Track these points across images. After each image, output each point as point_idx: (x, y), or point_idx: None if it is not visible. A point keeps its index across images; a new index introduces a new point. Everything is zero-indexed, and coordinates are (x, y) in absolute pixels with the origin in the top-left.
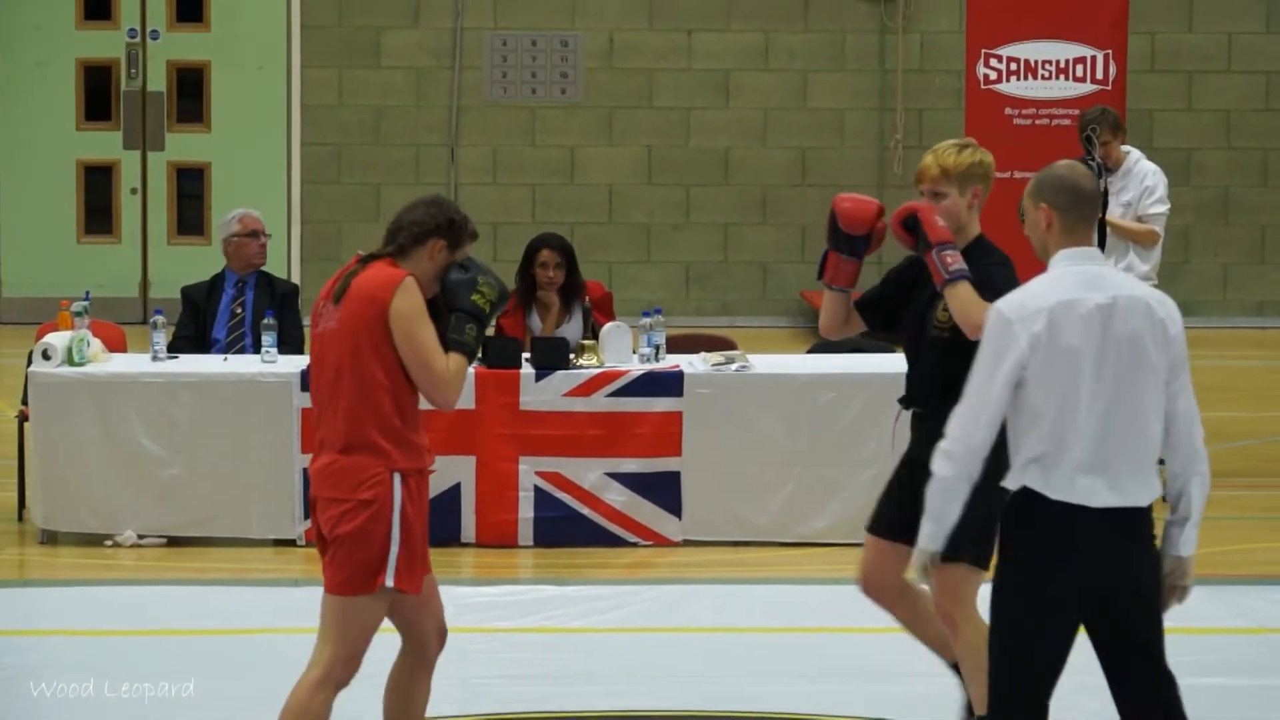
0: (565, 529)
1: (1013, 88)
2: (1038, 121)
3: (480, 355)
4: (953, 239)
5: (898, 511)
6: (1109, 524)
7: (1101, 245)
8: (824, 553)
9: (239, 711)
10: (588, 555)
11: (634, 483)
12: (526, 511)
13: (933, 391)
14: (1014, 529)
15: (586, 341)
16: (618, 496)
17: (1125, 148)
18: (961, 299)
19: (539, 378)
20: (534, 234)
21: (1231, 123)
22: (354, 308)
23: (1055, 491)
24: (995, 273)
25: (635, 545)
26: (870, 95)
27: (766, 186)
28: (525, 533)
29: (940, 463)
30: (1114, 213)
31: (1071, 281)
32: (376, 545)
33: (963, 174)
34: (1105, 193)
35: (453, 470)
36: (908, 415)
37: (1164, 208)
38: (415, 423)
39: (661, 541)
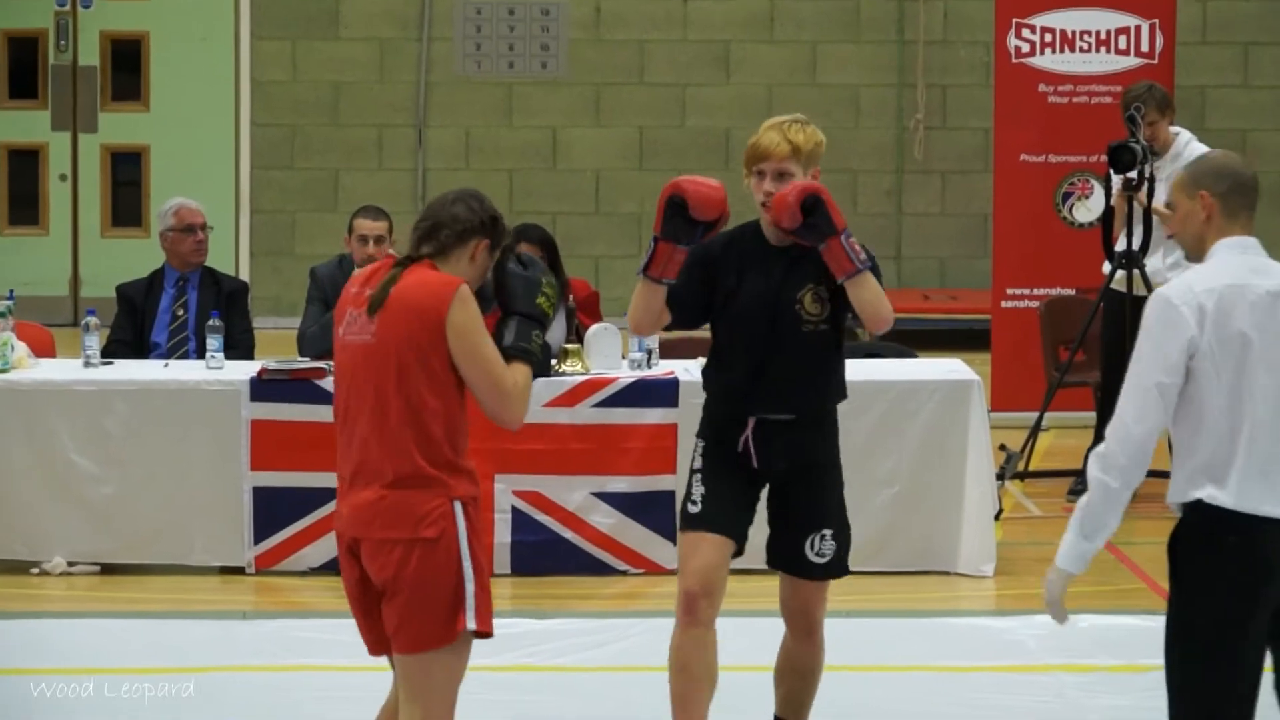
0: (546, 555)
1: (1048, 61)
2: (1075, 99)
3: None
4: (846, 225)
5: (728, 509)
6: None
7: (1147, 234)
8: (835, 582)
9: None
10: (571, 585)
11: (624, 503)
12: (503, 536)
13: (804, 394)
14: (1192, 551)
15: (570, 346)
16: (605, 519)
17: (1173, 128)
18: (873, 289)
19: None
20: (512, 226)
21: None
22: (399, 321)
23: (1238, 502)
24: (874, 260)
25: (625, 574)
26: (888, 70)
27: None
28: (501, 559)
29: (1100, 469)
30: (1160, 200)
31: (1238, 267)
32: (450, 586)
33: (810, 153)
34: (1152, 178)
35: None
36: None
37: None
38: (466, 446)
39: (654, 569)
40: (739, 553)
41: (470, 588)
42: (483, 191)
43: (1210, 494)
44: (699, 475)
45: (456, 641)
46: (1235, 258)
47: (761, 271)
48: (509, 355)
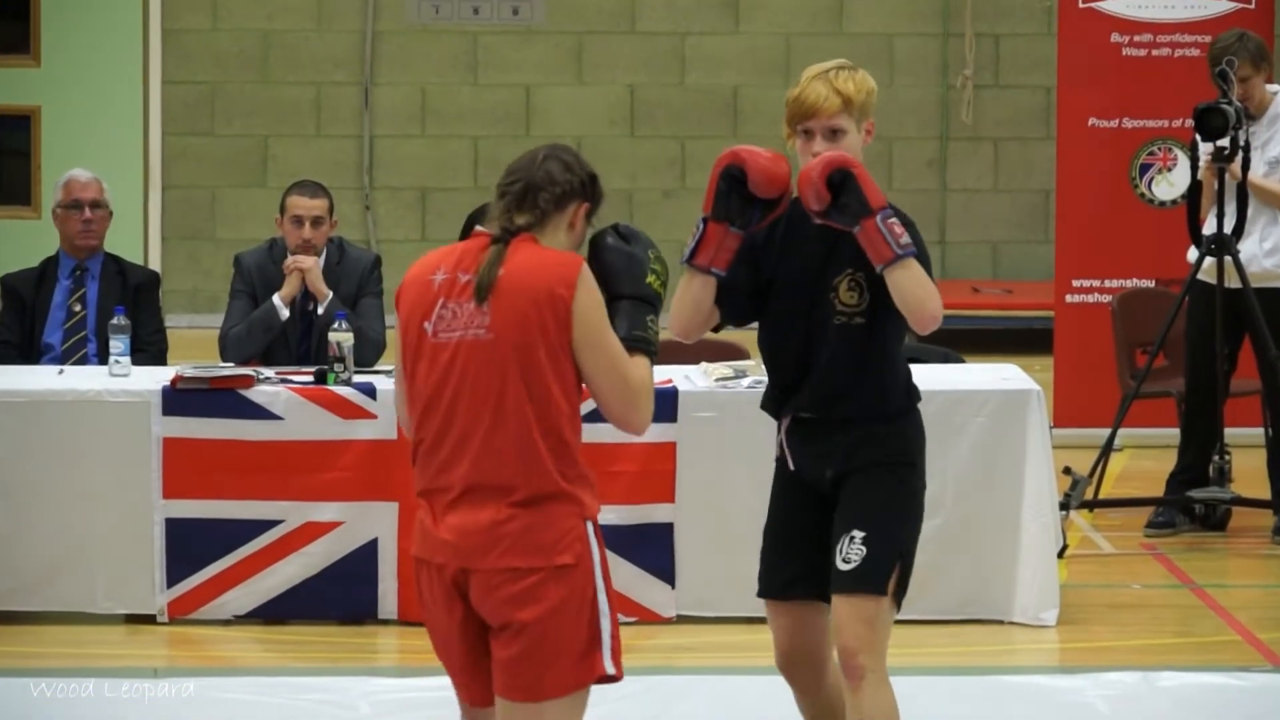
0: None
1: (1122, 6)
2: (1155, 52)
3: None
4: (888, 204)
5: (787, 562)
6: None
7: (1242, 214)
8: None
9: None
10: None
11: (612, 538)
12: None
13: (834, 393)
14: None
15: None
16: None
17: (1271, 86)
18: (916, 280)
19: None
20: (476, 203)
21: None
22: (518, 309)
23: None
24: (921, 244)
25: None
26: (929, 16)
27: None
28: None
29: None
30: (1258, 171)
31: None
32: (585, 622)
33: (863, 104)
34: (1246, 146)
35: (366, 522)
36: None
37: None
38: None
39: (649, 617)
40: (821, 595)
41: (606, 625)
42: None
43: None
44: (767, 516)
45: (583, 690)
46: None
47: (800, 253)
48: (627, 347)
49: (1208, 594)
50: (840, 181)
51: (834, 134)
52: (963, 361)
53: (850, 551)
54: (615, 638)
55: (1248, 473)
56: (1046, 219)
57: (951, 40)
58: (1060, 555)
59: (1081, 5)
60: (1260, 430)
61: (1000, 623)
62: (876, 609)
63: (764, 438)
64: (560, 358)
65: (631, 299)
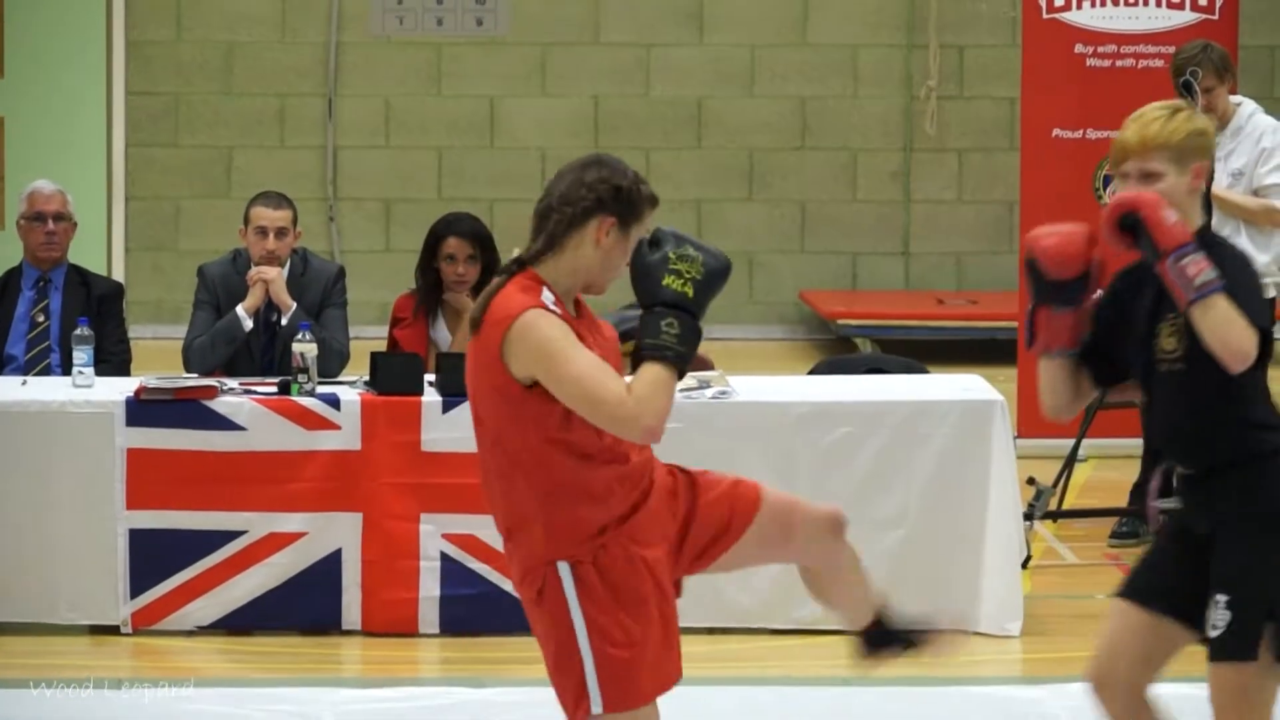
0: (482, 611)
1: (1086, 17)
2: (1119, 63)
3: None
4: (1191, 239)
5: (1161, 578)
6: None
7: (1206, 225)
8: (826, 643)
9: None
10: (512, 647)
11: None
12: (430, 588)
13: (1177, 443)
14: None
15: None
16: None
17: (1235, 98)
18: (1218, 317)
19: (446, 408)
20: (440, 214)
21: None
22: (478, 347)
23: None
24: (1238, 278)
25: None
26: (894, 27)
27: (753, 150)
28: (428, 616)
29: None
30: (1221, 183)
31: None
32: (568, 658)
33: (1180, 146)
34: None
35: (330, 532)
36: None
37: None
38: (589, 489)
39: None
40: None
41: (590, 663)
42: (612, 158)
43: None
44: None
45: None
46: None
47: (1136, 298)
48: (640, 356)
49: None
50: (1132, 226)
51: (1146, 177)
52: (926, 372)
53: (1216, 617)
54: (606, 673)
55: None
56: (1010, 230)
57: (916, 51)
58: (1024, 566)
59: (1045, 16)
60: None
61: (964, 633)
62: (1243, 677)
63: (729, 449)
64: (509, 397)
65: (648, 309)
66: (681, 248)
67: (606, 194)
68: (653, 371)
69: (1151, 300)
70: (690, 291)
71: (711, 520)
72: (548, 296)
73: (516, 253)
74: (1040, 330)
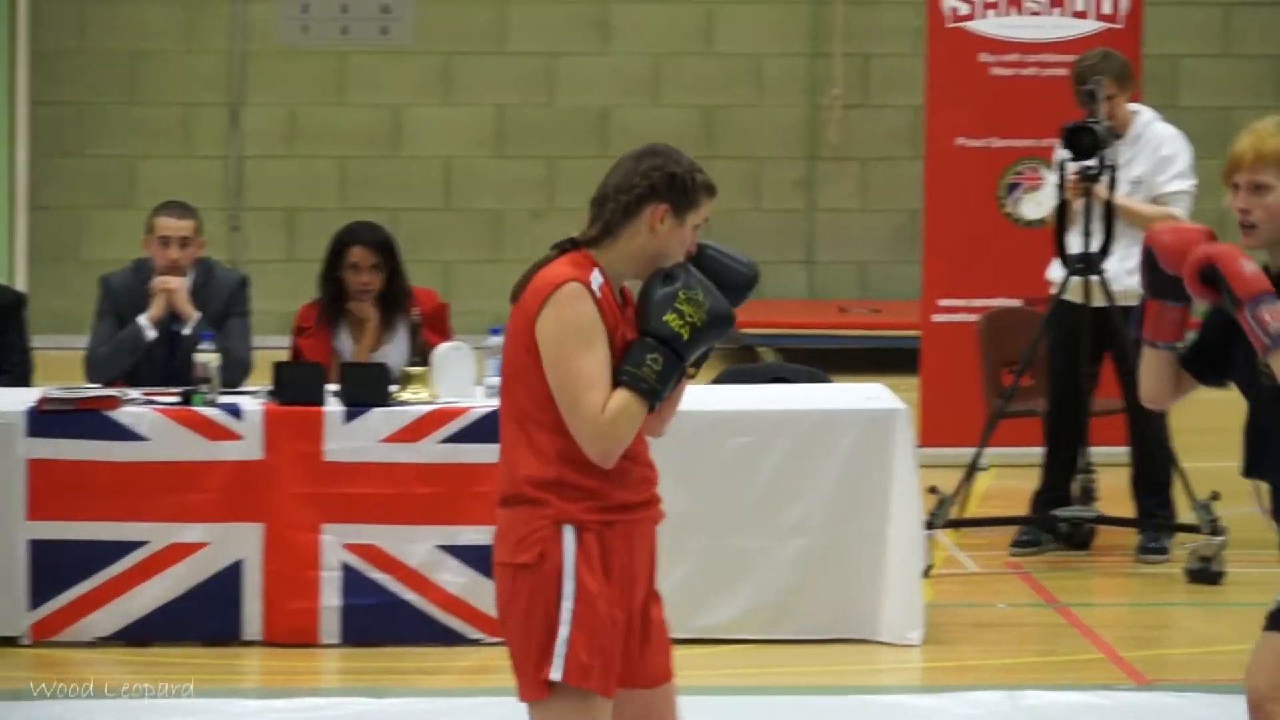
0: (384, 621)
1: (991, 25)
2: (1023, 72)
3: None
4: (1271, 288)
5: None
6: None
7: (1108, 233)
8: (732, 653)
9: None
10: (414, 656)
11: (477, 559)
12: (331, 598)
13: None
14: None
15: (414, 369)
16: (454, 577)
17: (1132, 106)
18: None
19: (349, 417)
20: (344, 223)
21: None
22: (517, 317)
23: None
24: None
25: (478, 643)
26: (798, 36)
27: None
28: (330, 626)
29: None
30: (1121, 190)
31: None
32: (541, 626)
33: None
34: (1114, 165)
35: (232, 543)
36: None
37: (1187, 184)
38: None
39: None
40: None
41: (565, 632)
42: (668, 147)
43: None
44: None
45: (548, 699)
46: None
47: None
48: (616, 380)
49: (1072, 613)
50: (1210, 277)
51: (1257, 189)
52: (830, 381)
53: None
54: (577, 645)
55: (1112, 491)
56: (914, 239)
57: (820, 60)
58: (925, 574)
59: (950, 25)
60: (1123, 449)
61: (866, 642)
62: None
63: None
64: (535, 367)
65: (643, 335)
66: (692, 290)
67: (660, 181)
68: (626, 400)
69: None
70: (686, 335)
71: (648, 644)
72: (597, 278)
73: (573, 235)
74: (1149, 320)
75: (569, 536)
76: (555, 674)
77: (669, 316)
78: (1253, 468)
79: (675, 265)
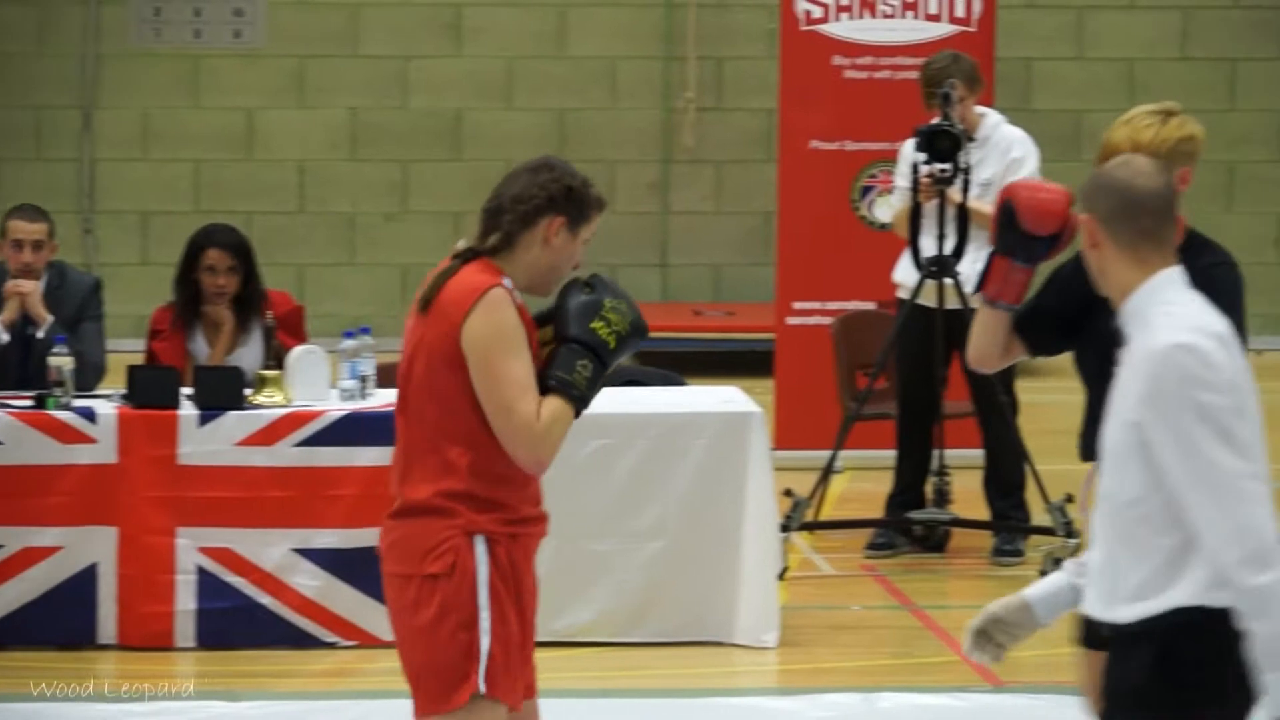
0: (238, 624)
1: (844, 29)
2: (876, 75)
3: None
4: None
5: None
6: None
7: (962, 236)
8: (586, 655)
9: None
10: (270, 660)
11: (332, 562)
12: (187, 602)
13: None
14: (1202, 666)
15: (268, 372)
16: (310, 580)
17: (979, 109)
18: None
19: (204, 420)
20: (197, 226)
21: (1136, 76)
22: (432, 327)
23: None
24: (1218, 276)
25: (334, 646)
26: (652, 39)
27: (512, 162)
28: (185, 630)
29: (1250, 573)
30: (972, 193)
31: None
32: (456, 637)
33: (1170, 152)
34: (968, 169)
35: (86, 547)
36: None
37: None
38: (519, 479)
39: (369, 641)
40: None
41: (485, 643)
42: (561, 160)
43: (1223, 596)
44: None
45: (458, 711)
46: (1188, 294)
47: (1104, 302)
48: (545, 386)
49: (927, 615)
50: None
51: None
52: (684, 384)
53: None
54: (496, 656)
55: (966, 494)
56: (768, 242)
57: (674, 63)
58: (781, 577)
59: (803, 28)
60: (978, 451)
61: (721, 644)
62: None
63: None
64: (453, 378)
65: (570, 342)
66: (617, 300)
67: (558, 193)
68: (558, 405)
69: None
70: (612, 343)
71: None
72: (508, 283)
73: (463, 243)
74: (993, 278)
75: (481, 547)
76: (480, 686)
77: (596, 324)
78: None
79: (595, 276)
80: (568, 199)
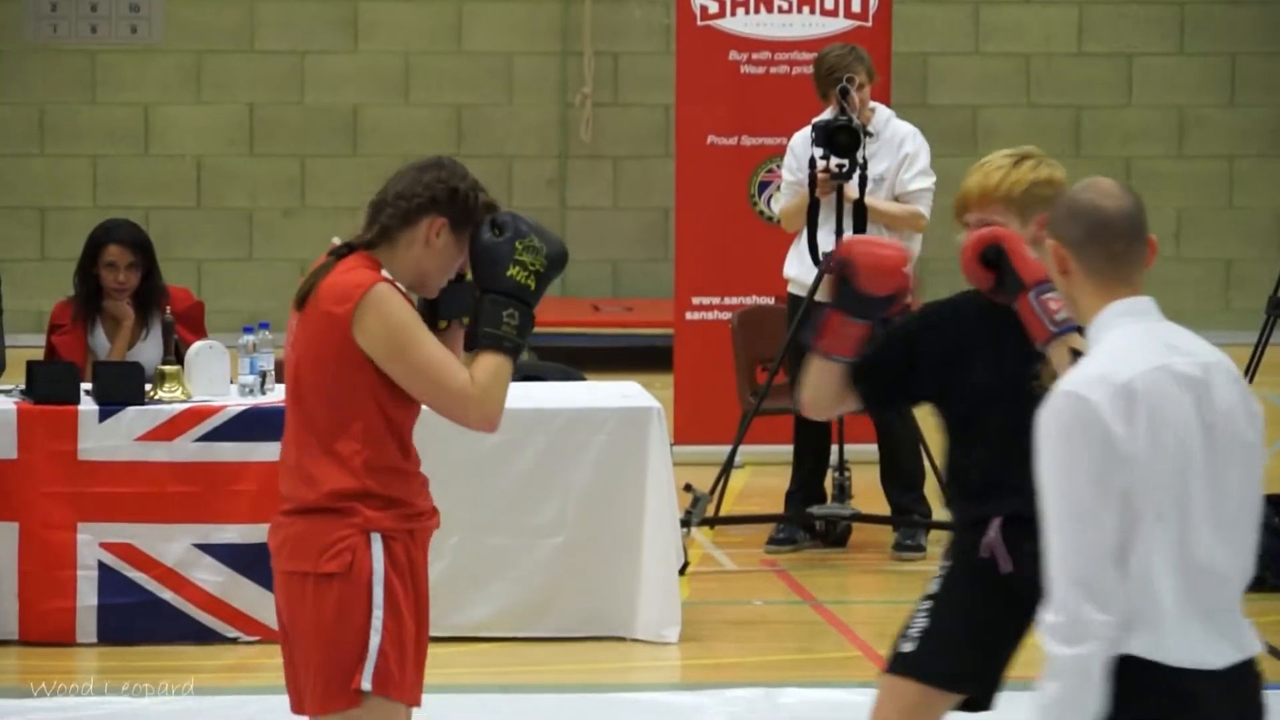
0: (140, 620)
1: (740, 24)
2: (773, 70)
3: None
4: (1049, 277)
5: (963, 655)
6: (1231, 686)
7: (859, 232)
8: (488, 651)
9: None
10: (171, 655)
11: (234, 557)
12: (88, 597)
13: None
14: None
15: (168, 367)
16: (211, 576)
17: (871, 104)
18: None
19: (104, 416)
20: (96, 222)
21: (1033, 71)
22: (312, 323)
23: (1171, 654)
24: None
25: (235, 641)
26: (548, 34)
27: (409, 158)
28: (86, 625)
29: (1057, 641)
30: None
31: (1150, 343)
32: (351, 636)
33: (1022, 199)
34: (865, 164)
35: None
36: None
37: (929, 182)
38: (408, 471)
39: (271, 636)
40: (977, 706)
41: (376, 641)
42: (454, 161)
43: (1143, 646)
44: (929, 604)
45: (352, 710)
46: (1137, 326)
47: (990, 343)
48: (474, 343)
49: (829, 610)
50: (994, 258)
51: (984, 228)
52: (584, 379)
53: None
54: (388, 655)
55: (867, 488)
56: (666, 237)
57: (570, 59)
58: (682, 572)
59: (700, 23)
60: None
61: (622, 640)
62: None
63: None
64: (343, 375)
65: (490, 294)
66: (527, 238)
67: (442, 194)
68: (494, 361)
69: (1015, 342)
70: (532, 284)
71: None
72: (387, 274)
73: (336, 241)
74: (827, 332)
75: (378, 545)
76: (365, 683)
77: (513, 270)
78: (989, 499)
79: (501, 213)
80: (451, 201)
